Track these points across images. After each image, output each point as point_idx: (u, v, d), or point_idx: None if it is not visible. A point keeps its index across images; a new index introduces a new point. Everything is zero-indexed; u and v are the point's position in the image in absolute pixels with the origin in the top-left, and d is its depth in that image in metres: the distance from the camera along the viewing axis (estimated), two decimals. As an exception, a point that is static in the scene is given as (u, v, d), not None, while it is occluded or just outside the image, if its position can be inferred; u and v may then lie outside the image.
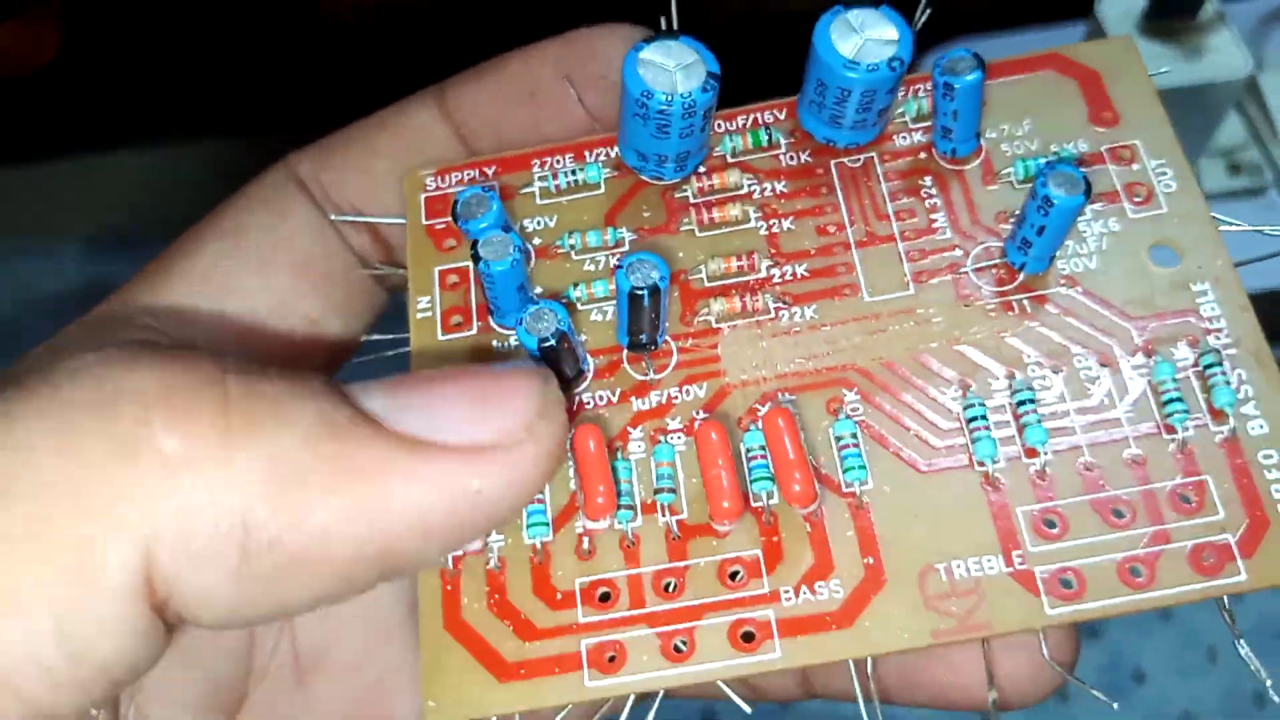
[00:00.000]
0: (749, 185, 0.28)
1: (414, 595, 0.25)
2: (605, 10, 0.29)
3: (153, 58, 0.47)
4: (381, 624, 0.27)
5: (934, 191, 0.27)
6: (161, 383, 0.19)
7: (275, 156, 0.30)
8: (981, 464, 0.24)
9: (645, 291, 0.24)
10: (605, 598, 0.24)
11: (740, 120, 0.29)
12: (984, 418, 0.24)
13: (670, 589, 0.24)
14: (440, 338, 0.27)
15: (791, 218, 0.27)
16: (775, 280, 0.27)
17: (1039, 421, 0.24)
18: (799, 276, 0.27)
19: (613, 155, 0.29)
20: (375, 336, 0.28)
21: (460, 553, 0.25)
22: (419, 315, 0.27)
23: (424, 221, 0.29)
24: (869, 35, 0.26)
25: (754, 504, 0.24)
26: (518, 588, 0.24)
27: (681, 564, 0.24)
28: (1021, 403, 0.24)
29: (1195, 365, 0.24)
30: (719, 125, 0.29)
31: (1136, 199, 0.26)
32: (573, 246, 0.28)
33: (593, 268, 0.27)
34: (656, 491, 0.24)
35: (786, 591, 0.24)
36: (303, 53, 0.46)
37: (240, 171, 0.30)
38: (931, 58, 0.27)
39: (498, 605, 0.24)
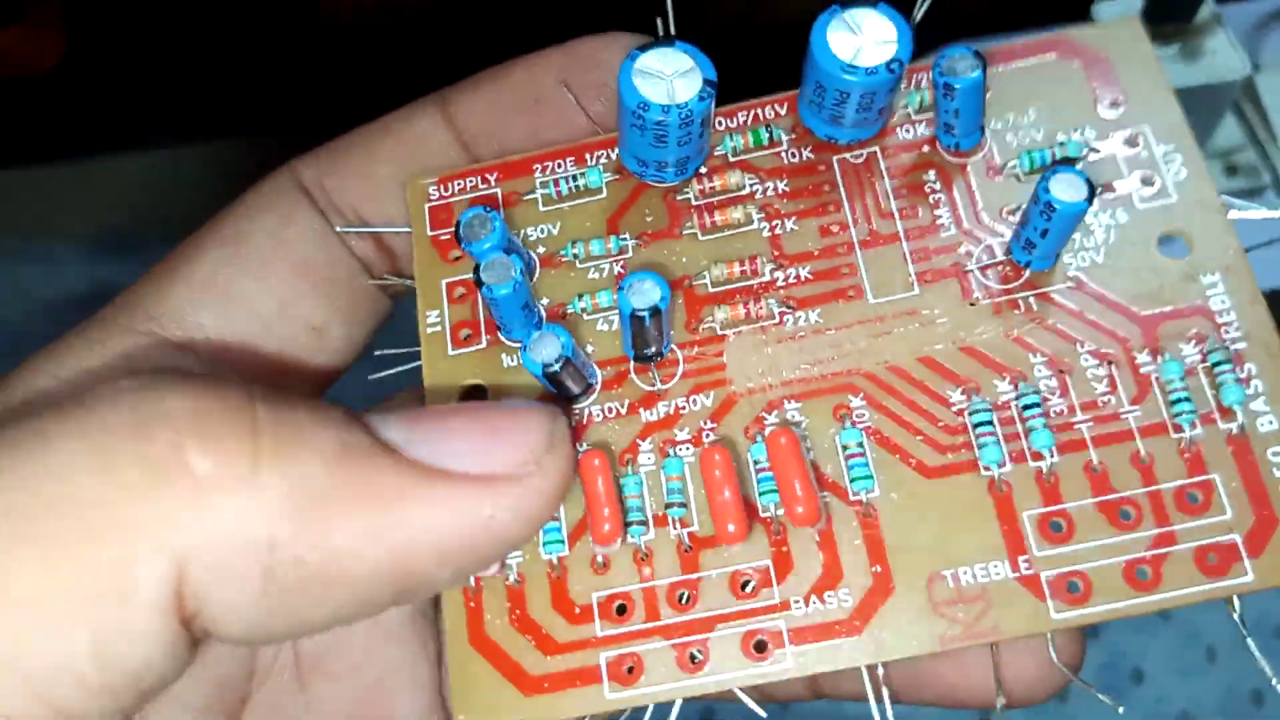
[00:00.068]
0: (751, 185, 0.28)
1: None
2: (604, 11, 0.29)
3: (155, 60, 0.47)
4: (382, 626, 0.28)
5: (938, 187, 0.27)
6: (193, 407, 0.19)
7: (276, 157, 0.30)
8: (988, 469, 0.24)
9: (646, 313, 0.24)
10: (621, 610, 0.25)
11: (741, 117, 0.29)
12: (990, 423, 0.24)
13: (684, 600, 0.25)
14: (451, 352, 0.27)
15: (794, 218, 0.27)
16: (779, 284, 0.27)
17: (1044, 426, 0.24)
18: (803, 279, 0.27)
19: (614, 157, 0.29)
20: (388, 351, 0.29)
21: (474, 579, 0.25)
22: (429, 330, 0.28)
23: (429, 233, 0.29)
24: (867, 35, 0.25)
25: (762, 514, 0.25)
26: (537, 603, 0.25)
27: (694, 576, 0.25)
28: (1027, 407, 0.24)
29: (1204, 360, 0.24)
30: (719, 123, 0.28)
31: (1145, 188, 0.26)
32: (576, 256, 0.28)
33: (597, 276, 0.28)
34: (667, 506, 0.25)
35: (797, 601, 0.24)
36: (303, 53, 0.46)
37: (241, 173, 0.30)
38: (932, 55, 0.27)
39: (519, 620, 0.25)
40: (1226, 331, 0.25)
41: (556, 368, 0.24)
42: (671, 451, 0.26)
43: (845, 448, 0.25)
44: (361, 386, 0.31)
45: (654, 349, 0.26)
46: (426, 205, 0.29)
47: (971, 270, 0.26)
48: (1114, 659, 0.55)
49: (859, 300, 0.26)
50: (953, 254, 0.26)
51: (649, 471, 0.26)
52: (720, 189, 0.28)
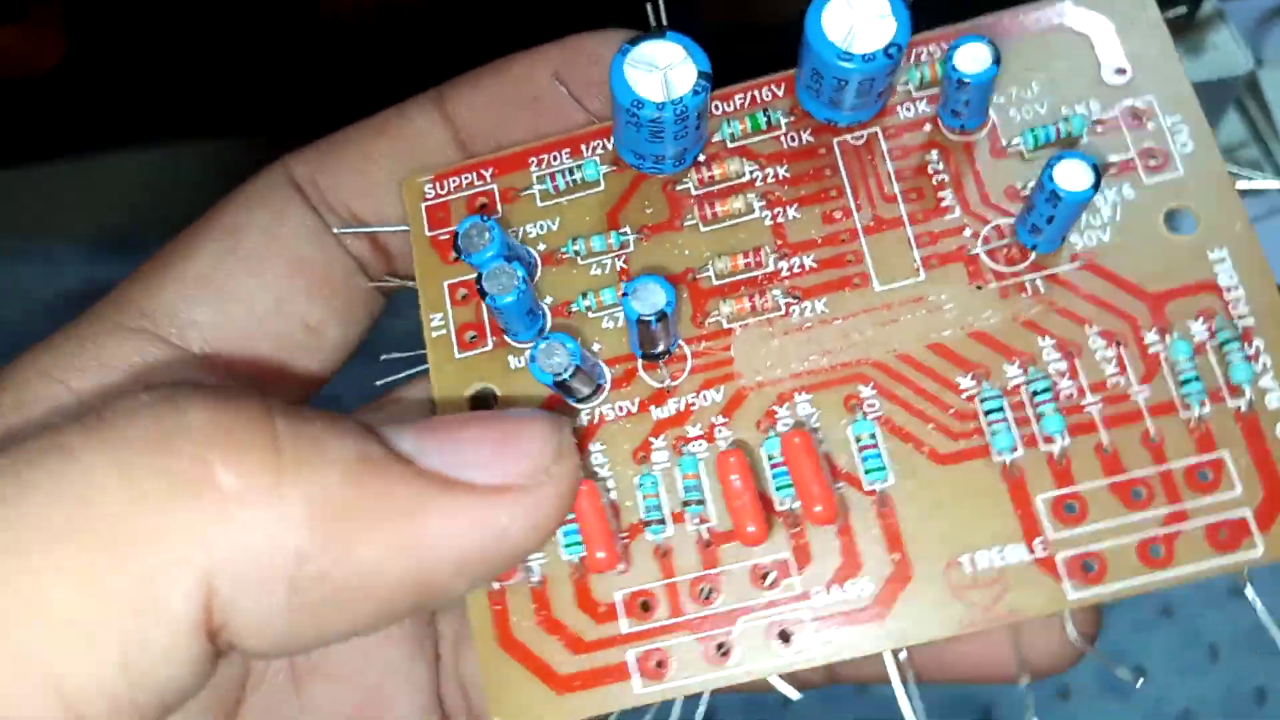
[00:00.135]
0: (751, 172, 0.27)
1: None
2: (602, 11, 0.28)
3: (154, 59, 0.46)
4: None
5: (941, 168, 0.27)
6: (215, 421, 0.20)
7: (275, 157, 0.30)
8: (1000, 454, 0.25)
9: (653, 318, 0.24)
10: (646, 607, 0.25)
11: (738, 100, 0.28)
12: (1000, 410, 0.25)
13: (706, 595, 0.25)
14: (457, 355, 0.27)
15: (796, 205, 0.27)
16: (783, 274, 0.27)
17: (1055, 410, 0.24)
18: (807, 268, 0.27)
19: (610, 148, 0.28)
20: (394, 355, 0.29)
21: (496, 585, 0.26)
22: (434, 334, 0.28)
23: (427, 233, 0.28)
24: (863, 16, 0.25)
25: (779, 508, 0.25)
26: (562, 603, 0.25)
27: (715, 570, 0.25)
28: (1036, 392, 0.25)
29: (1212, 338, 0.24)
30: (716, 107, 0.28)
31: (1152, 162, 0.26)
32: (577, 253, 0.27)
33: (599, 272, 0.27)
34: (684, 504, 0.25)
35: (818, 590, 0.25)
36: (303, 53, 0.45)
37: (240, 172, 0.29)
38: (935, 35, 0.26)
39: (545, 621, 0.25)
40: (1234, 307, 0.25)
41: (566, 376, 0.24)
42: (685, 449, 0.26)
43: (858, 440, 0.25)
44: (356, 387, 0.31)
45: (662, 347, 0.26)
46: (423, 205, 0.29)
47: (978, 254, 0.26)
48: (1115, 657, 0.55)
49: (865, 288, 0.26)
50: (958, 237, 0.26)
51: (664, 469, 0.26)
52: (720, 177, 0.27)
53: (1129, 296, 0.25)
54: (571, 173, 0.28)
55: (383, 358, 0.29)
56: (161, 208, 0.30)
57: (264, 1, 0.44)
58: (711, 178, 0.27)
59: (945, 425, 0.25)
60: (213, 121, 0.46)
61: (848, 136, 0.27)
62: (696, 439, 0.26)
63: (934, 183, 0.27)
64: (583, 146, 0.28)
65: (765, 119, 0.28)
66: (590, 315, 0.27)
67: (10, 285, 0.52)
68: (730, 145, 0.28)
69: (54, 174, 0.48)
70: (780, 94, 0.28)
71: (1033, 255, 0.26)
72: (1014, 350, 0.25)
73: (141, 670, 0.19)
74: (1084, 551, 0.24)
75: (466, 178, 0.29)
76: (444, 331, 0.28)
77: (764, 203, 0.27)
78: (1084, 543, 0.24)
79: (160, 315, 0.27)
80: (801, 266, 0.27)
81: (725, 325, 0.26)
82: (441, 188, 0.29)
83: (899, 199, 0.27)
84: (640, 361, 0.27)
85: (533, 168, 0.28)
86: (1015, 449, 0.24)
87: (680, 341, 0.27)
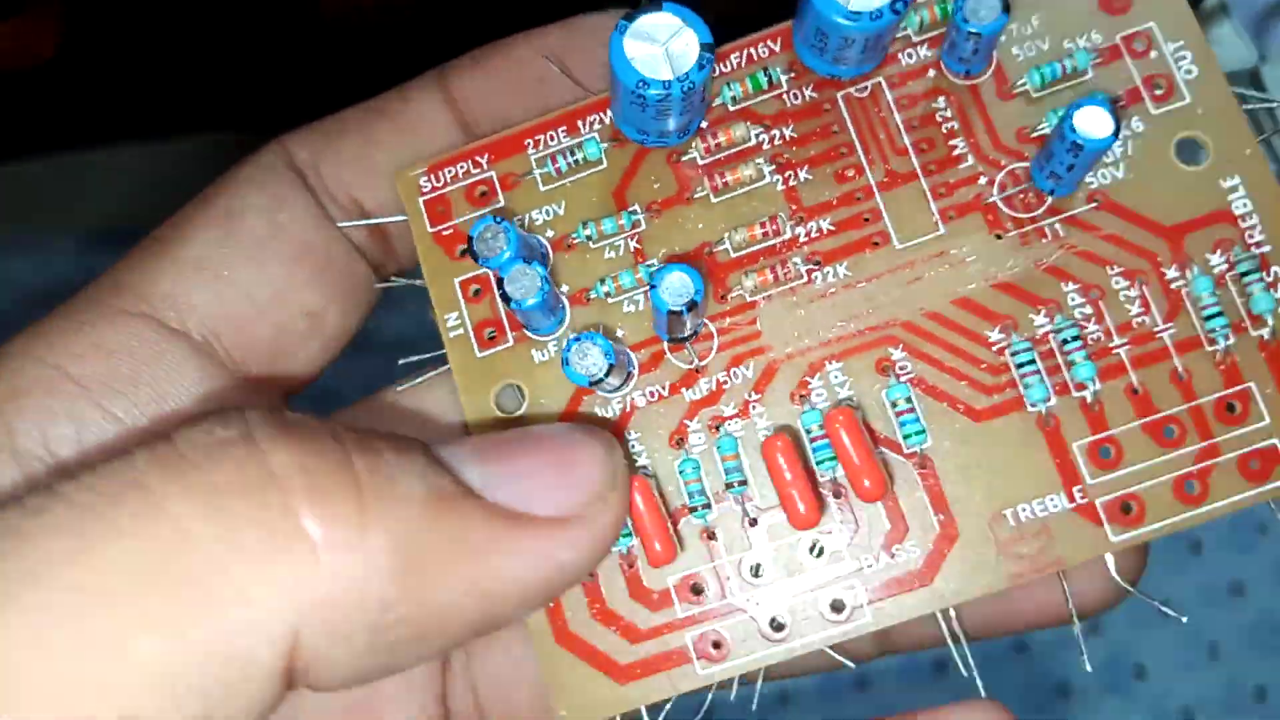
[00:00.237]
0: (757, 136, 0.27)
1: None
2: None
3: (152, 55, 0.44)
4: None
5: (950, 115, 0.26)
6: (300, 465, 0.19)
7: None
8: (1034, 406, 0.25)
9: (684, 307, 0.24)
10: (697, 590, 0.25)
11: (735, 59, 0.27)
12: (1032, 362, 0.25)
13: (757, 573, 0.25)
14: (479, 354, 0.27)
15: (807, 166, 0.26)
16: (801, 239, 0.26)
17: (1086, 358, 0.25)
18: (825, 232, 0.26)
19: (607, 122, 0.27)
20: (412, 358, 0.28)
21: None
22: (452, 334, 0.27)
23: (429, 229, 0.28)
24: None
25: (821, 479, 0.25)
26: (615, 595, 0.26)
27: (764, 547, 0.25)
28: (1065, 340, 0.25)
29: (1231, 269, 0.25)
30: (714, 70, 0.27)
31: (1158, 92, 0.26)
32: (589, 237, 0.27)
33: (613, 255, 0.27)
34: (727, 486, 0.25)
35: (867, 559, 0.25)
36: (303, 52, 0.43)
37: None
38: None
39: (600, 614, 0.26)
40: (1251, 235, 0.25)
41: (602, 375, 0.24)
42: (721, 430, 0.26)
43: (894, 404, 0.25)
44: (356, 380, 0.30)
45: (689, 331, 0.26)
46: (421, 199, 0.28)
47: (995, 201, 0.26)
48: (1116, 655, 0.55)
49: (885, 247, 0.26)
50: (974, 186, 0.26)
51: (703, 450, 0.26)
52: (726, 144, 0.27)
53: (1147, 233, 0.25)
54: (572, 152, 0.27)
55: (400, 361, 0.28)
56: (157, 203, 0.29)
57: (264, 1, 0.42)
58: (718, 145, 0.27)
59: (978, 381, 0.25)
60: (210, 119, 0.44)
61: (851, 90, 0.27)
62: (732, 418, 0.26)
63: (944, 131, 0.26)
64: (579, 123, 0.27)
65: (766, 78, 0.27)
66: (610, 301, 0.27)
67: (3, 276, 0.51)
68: (732, 109, 0.27)
69: (49, 168, 0.46)
70: (777, 49, 0.27)
71: (1049, 199, 0.26)
72: (1039, 298, 0.25)
73: (221, 718, 0.19)
74: (1122, 494, 0.24)
75: (463, 166, 0.28)
76: (461, 331, 0.27)
77: (774, 167, 0.27)
78: (1121, 486, 0.24)
79: (160, 301, 0.26)
80: (819, 230, 0.26)
81: (749, 299, 0.26)
82: (438, 179, 0.28)
83: (910, 151, 0.26)
84: (666, 344, 0.26)
85: (530, 150, 0.27)
86: (1049, 399, 0.25)
87: (705, 320, 0.26)
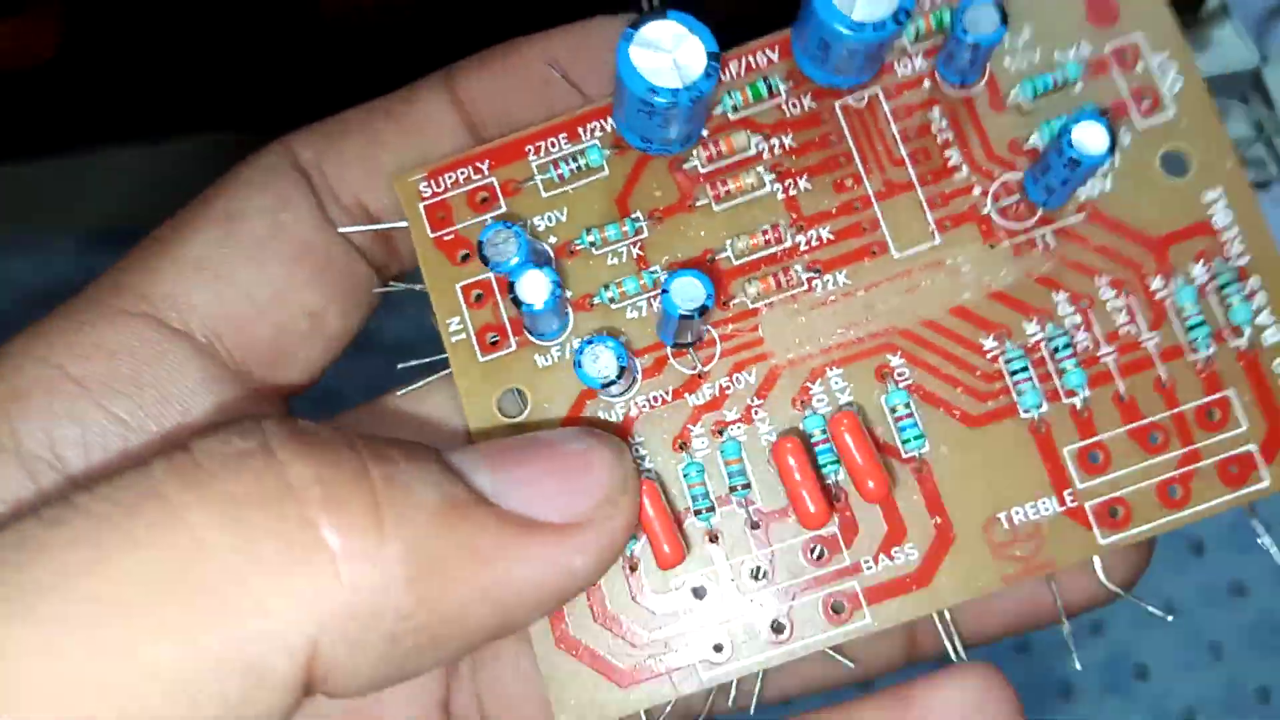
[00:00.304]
0: (757, 145, 0.27)
1: None
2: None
3: (152, 55, 0.43)
4: None
5: (944, 125, 0.27)
6: (318, 477, 0.19)
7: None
8: (1027, 412, 0.26)
9: (695, 312, 0.24)
10: (700, 593, 0.26)
11: (734, 68, 0.27)
12: (1025, 369, 0.26)
13: (759, 575, 0.26)
14: (481, 359, 0.27)
15: (806, 175, 0.27)
16: (802, 247, 0.27)
17: (1076, 366, 0.25)
18: (825, 240, 0.27)
19: (609, 129, 0.27)
20: (411, 363, 0.28)
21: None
22: (454, 339, 0.27)
23: (430, 234, 0.27)
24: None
25: (824, 483, 0.26)
26: (618, 597, 0.26)
27: (766, 550, 0.26)
28: (1057, 349, 0.26)
29: (1212, 280, 0.26)
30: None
31: (1145, 104, 0.26)
32: (592, 244, 0.27)
33: (616, 262, 0.27)
34: (730, 490, 0.26)
35: (866, 561, 0.26)
36: (303, 52, 0.42)
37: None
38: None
39: (601, 616, 0.26)
40: (1230, 247, 0.26)
41: (614, 378, 0.24)
42: (724, 434, 0.26)
43: (893, 410, 0.26)
44: (359, 380, 0.30)
45: (694, 337, 0.26)
46: (421, 205, 0.28)
47: (989, 213, 0.26)
48: (1118, 655, 0.55)
49: (884, 256, 0.27)
50: (968, 196, 0.27)
51: (706, 455, 0.26)
52: (727, 152, 0.27)
53: (1133, 244, 0.26)
54: (574, 159, 0.27)
55: (400, 366, 0.28)
56: (156, 202, 0.28)
57: (264, 0, 0.41)
58: (719, 153, 0.27)
59: (973, 388, 0.26)
60: (210, 119, 0.43)
61: (849, 99, 0.27)
62: (735, 422, 0.26)
63: (939, 142, 0.27)
64: (580, 130, 0.27)
65: (766, 87, 0.27)
66: (614, 307, 0.27)
67: (3, 276, 0.50)
68: (733, 117, 0.27)
69: (49, 169, 0.45)
70: (776, 58, 0.27)
71: (1040, 210, 0.26)
72: (1031, 307, 0.26)
73: None
74: (1109, 498, 0.25)
75: (463, 172, 0.27)
76: (463, 336, 0.27)
77: (774, 176, 0.27)
78: (1108, 490, 0.25)
79: (161, 300, 0.26)
80: (819, 239, 0.27)
81: (751, 306, 0.27)
82: (438, 185, 0.28)
83: (907, 162, 0.27)
84: (669, 350, 0.27)
85: (531, 156, 0.27)
86: (1041, 406, 0.26)
87: (707, 326, 0.27)
